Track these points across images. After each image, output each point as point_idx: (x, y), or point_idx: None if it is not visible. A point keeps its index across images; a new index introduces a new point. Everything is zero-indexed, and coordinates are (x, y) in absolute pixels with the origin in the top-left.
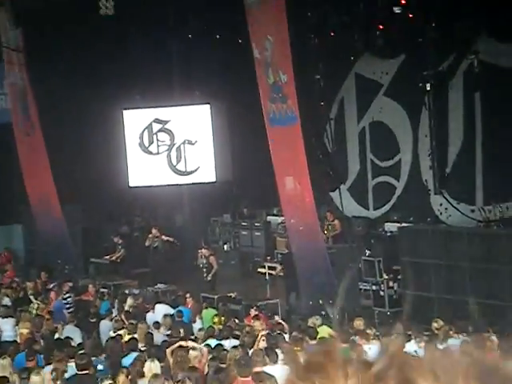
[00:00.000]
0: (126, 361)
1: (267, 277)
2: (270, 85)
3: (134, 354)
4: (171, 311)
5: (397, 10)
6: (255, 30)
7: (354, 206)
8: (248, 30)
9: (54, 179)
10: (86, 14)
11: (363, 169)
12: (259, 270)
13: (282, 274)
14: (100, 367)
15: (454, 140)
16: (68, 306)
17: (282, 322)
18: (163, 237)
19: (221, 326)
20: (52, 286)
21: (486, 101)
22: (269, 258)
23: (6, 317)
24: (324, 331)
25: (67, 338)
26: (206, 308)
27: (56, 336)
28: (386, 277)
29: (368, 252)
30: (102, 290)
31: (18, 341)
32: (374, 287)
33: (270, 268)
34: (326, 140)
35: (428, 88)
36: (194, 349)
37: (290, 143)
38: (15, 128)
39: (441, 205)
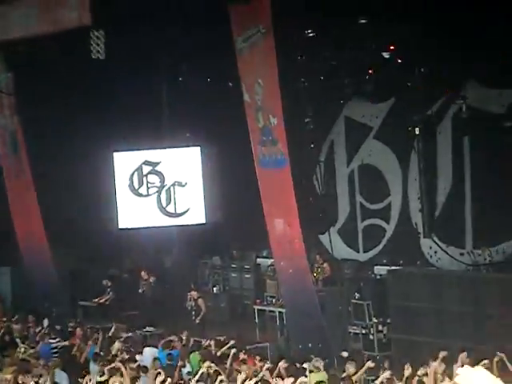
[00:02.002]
0: None
1: (257, 320)
2: (260, 128)
3: None
4: (160, 354)
5: (386, 55)
6: (245, 73)
7: (343, 249)
8: (238, 73)
9: (43, 221)
10: (77, 58)
11: (353, 211)
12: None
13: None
14: None
15: (443, 183)
16: (55, 349)
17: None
18: (151, 279)
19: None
20: (38, 330)
21: (474, 145)
22: (258, 300)
23: None
24: (318, 376)
25: (55, 383)
26: (193, 352)
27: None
28: (376, 320)
29: (357, 295)
30: (90, 333)
31: None
32: (363, 331)
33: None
34: (316, 182)
35: (417, 132)
36: None
37: (280, 186)
38: (5, 170)
39: (430, 248)
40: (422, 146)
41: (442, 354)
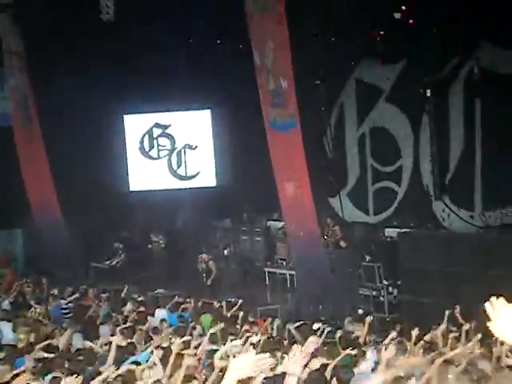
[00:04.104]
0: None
1: (267, 282)
2: (271, 90)
3: (132, 359)
4: (171, 316)
5: (397, 15)
6: (256, 35)
7: (354, 212)
8: (249, 35)
9: (54, 184)
10: (88, 19)
11: (363, 174)
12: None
13: None
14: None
15: (455, 146)
16: (65, 311)
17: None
18: (161, 241)
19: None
20: (51, 291)
21: (486, 107)
22: (269, 263)
23: (7, 320)
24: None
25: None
26: (204, 313)
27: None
28: (386, 282)
29: (368, 257)
30: (102, 294)
31: (17, 345)
32: (373, 293)
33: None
34: (326, 145)
35: (428, 94)
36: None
37: (290, 148)
38: (16, 132)
39: (443, 210)
40: (433, 108)
41: (447, 313)
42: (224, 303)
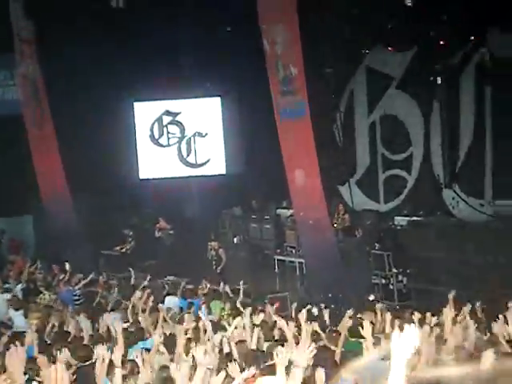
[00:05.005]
0: (131, 352)
1: (277, 270)
2: (280, 78)
3: (140, 344)
4: (182, 302)
5: (408, 2)
6: (266, 22)
7: (363, 200)
8: (258, 22)
9: (64, 171)
10: (98, 6)
11: (373, 162)
12: None
13: None
14: None
15: (465, 133)
16: (76, 297)
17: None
18: (169, 228)
19: (230, 319)
20: (61, 277)
21: (496, 95)
22: (278, 250)
23: (18, 309)
24: None
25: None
26: (213, 299)
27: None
28: (396, 270)
29: (377, 245)
30: (111, 281)
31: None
32: (383, 281)
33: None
34: (336, 133)
35: (439, 81)
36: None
37: (300, 136)
38: (26, 119)
39: (453, 199)
40: (444, 95)
41: (451, 295)
42: (228, 289)
